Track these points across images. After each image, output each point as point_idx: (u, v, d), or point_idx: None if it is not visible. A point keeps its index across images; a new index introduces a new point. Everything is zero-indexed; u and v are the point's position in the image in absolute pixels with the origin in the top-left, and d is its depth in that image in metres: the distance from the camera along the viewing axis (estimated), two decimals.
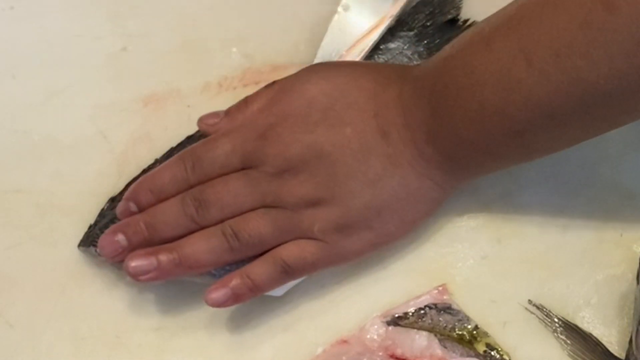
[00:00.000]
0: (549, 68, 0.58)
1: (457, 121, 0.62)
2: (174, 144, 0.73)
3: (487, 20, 0.63)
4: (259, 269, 0.66)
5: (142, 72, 0.76)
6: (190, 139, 0.72)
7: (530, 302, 0.69)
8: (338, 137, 0.65)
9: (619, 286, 0.69)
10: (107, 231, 0.68)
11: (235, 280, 0.65)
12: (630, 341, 0.65)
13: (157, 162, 0.72)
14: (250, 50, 0.76)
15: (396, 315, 0.68)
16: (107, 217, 0.71)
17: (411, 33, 0.74)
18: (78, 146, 0.74)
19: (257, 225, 0.65)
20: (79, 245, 0.71)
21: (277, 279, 0.66)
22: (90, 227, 0.71)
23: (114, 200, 0.72)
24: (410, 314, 0.68)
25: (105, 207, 0.72)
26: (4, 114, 0.75)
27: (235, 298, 0.66)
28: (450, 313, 0.68)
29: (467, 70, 0.61)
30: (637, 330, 0.64)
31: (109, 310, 0.70)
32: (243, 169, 0.66)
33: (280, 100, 0.67)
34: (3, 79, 0.76)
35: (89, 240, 0.70)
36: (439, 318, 0.68)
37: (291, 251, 0.65)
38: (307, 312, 0.70)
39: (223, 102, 0.73)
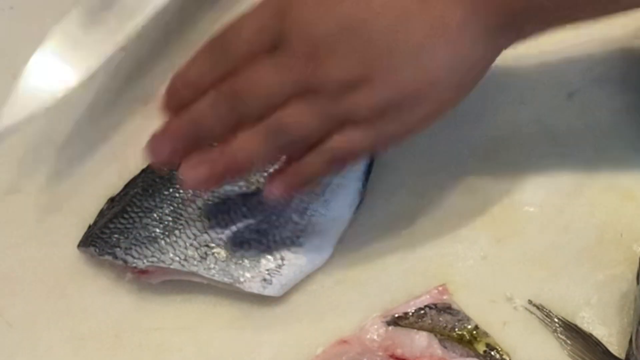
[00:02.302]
0: None
1: None
2: None
3: None
4: (310, 160, 0.62)
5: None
6: None
7: (530, 302, 0.69)
8: (369, 8, 0.58)
9: (619, 286, 0.69)
10: (152, 135, 0.64)
11: (288, 174, 0.63)
12: (630, 341, 0.65)
13: None
14: None
15: (396, 315, 0.68)
16: (106, 217, 0.71)
17: None
18: (78, 146, 0.74)
19: (300, 119, 0.60)
20: (79, 245, 0.71)
21: (327, 170, 0.63)
22: (89, 227, 0.71)
23: (113, 200, 0.72)
24: (410, 314, 0.68)
25: (105, 207, 0.72)
26: None
27: (289, 189, 0.64)
28: (450, 313, 0.68)
29: None
30: (637, 330, 0.64)
31: (109, 310, 0.70)
32: (273, 48, 0.60)
33: None
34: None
35: (89, 240, 0.70)
36: (439, 318, 0.68)
37: (338, 142, 0.61)
38: (307, 312, 0.70)
39: None
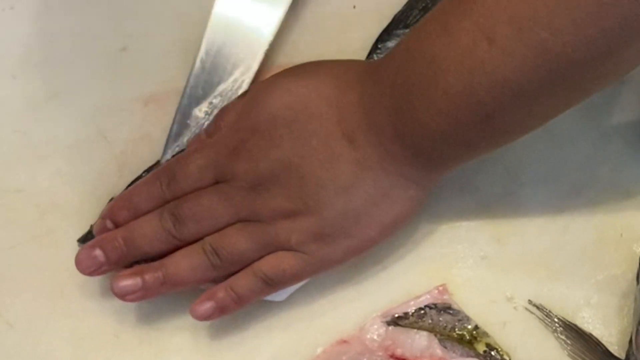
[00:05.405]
0: (513, 44, 0.56)
1: (423, 114, 0.61)
2: None
3: (441, 5, 0.61)
4: (241, 282, 0.66)
5: (142, 72, 0.76)
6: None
7: (530, 302, 0.69)
8: (305, 149, 0.64)
9: (619, 286, 0.69)
10: (84, 246, 0.68)
11: (219, 294, 0.66)
12: (630, 341, 0.65)
13: (159, 163, 0.72)
14: None
15: (396, 315, 0.68)
16: None
17: (407, 30, 0.74)
18: (78, 146, 0.74)
19: (236, 242, 0.65)
20: (79, 240, 0.70)
21: (260, 290, 0.66)
22: (91, 226, 0.71)
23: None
24: (410, 314, 0.69)
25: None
26: (4, 114, 0.75)
27: (220, 310, 0.66)
28: (450, 313, 0.68)
29: (427, 60, 0.60)
30: (637, 330, 0.64)
31: (109, 310, 0.70)
32: (217, 183, 0.66)
33: (247, 115, 0.67)
34: (3, 79, 0.76)
35: (89, 237, 0.70)
36: (439, 318, 0.68)
37: (270, 264, 0.66)
38: (307, 312, 0.70)
39: None
